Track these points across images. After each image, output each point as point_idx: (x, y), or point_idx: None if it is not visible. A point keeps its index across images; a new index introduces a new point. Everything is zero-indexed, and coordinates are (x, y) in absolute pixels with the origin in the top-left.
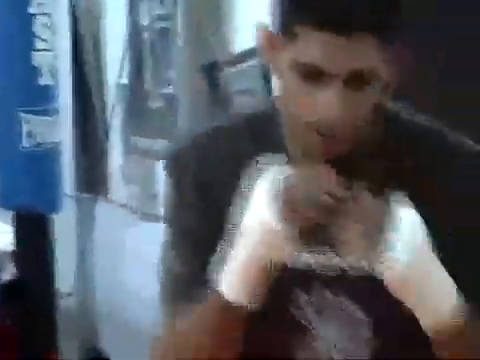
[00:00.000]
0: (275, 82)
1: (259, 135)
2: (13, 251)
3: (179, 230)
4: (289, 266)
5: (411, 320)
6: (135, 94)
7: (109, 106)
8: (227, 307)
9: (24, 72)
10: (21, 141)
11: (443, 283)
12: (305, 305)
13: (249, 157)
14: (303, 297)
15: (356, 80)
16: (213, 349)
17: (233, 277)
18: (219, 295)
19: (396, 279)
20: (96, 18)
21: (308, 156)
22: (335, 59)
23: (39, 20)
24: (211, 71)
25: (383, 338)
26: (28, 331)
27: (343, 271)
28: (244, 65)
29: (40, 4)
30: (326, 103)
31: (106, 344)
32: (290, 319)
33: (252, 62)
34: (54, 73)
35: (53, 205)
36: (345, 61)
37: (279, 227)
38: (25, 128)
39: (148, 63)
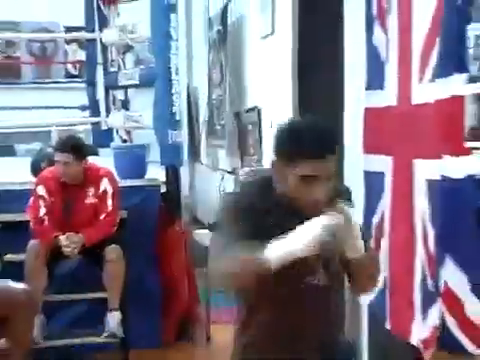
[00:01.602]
0: (277, 178)
1: (264, 189)
2: (165, 181)
3: (229, 232)
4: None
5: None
6: (210, 123)
7: (201, 126)
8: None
9: (171, 115)
10: (170, 141)
11: (359, 241)
12: (314, 275)
13: (259, 199)
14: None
15: (328, 177)
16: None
17: (278, 251)
18: (262, 254)
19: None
20: (196, 96)
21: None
22: (319, 170)
23: (175, 96)
24: (237, 115)
25: (334, 287)
26: (171, 210)
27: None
28: (251, 113)
29: (176, 91)
30: (318, 191)
31: None
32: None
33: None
34: (180, 115)
35: (180, 163)
36: (324, 170)
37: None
38: (170, 136)
39: (215, 112)
